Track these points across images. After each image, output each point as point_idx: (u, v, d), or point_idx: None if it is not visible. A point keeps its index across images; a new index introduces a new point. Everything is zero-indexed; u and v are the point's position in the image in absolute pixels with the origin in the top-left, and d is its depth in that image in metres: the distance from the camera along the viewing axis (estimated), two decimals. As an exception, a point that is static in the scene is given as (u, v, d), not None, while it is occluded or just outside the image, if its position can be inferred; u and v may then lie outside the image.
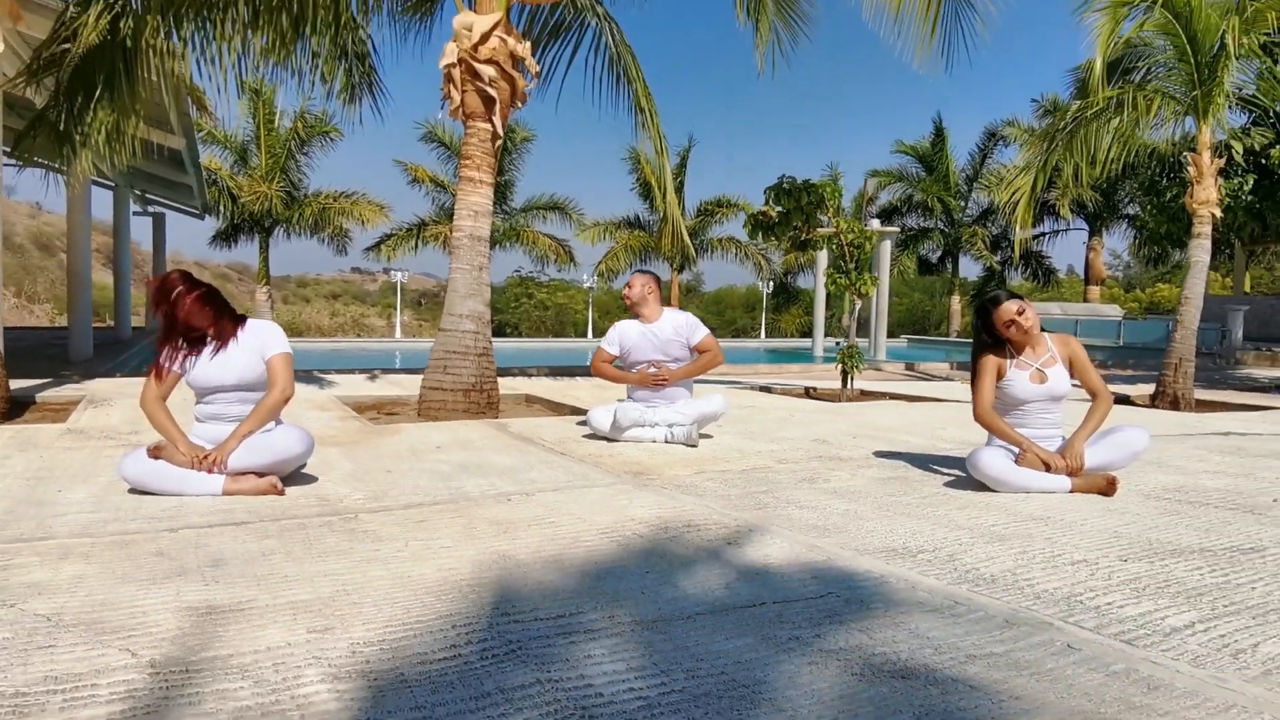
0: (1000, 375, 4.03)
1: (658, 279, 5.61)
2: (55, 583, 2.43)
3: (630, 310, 5.58)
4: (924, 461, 4.73)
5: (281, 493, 3.62)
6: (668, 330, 5.46)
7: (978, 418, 4.06)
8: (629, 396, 5.50)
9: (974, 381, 4.11)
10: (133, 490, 3.59)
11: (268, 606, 2.26)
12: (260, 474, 3.63)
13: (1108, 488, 3.80)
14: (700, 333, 5.51)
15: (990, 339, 4.06)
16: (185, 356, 3.67)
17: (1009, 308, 3.97)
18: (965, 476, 4.13)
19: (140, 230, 20.71)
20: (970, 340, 4.33)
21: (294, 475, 3.89)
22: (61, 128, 6.75)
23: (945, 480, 4.19)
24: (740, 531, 3.12)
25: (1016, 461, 3.88)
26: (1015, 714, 1.68)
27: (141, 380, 3.93)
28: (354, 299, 55.22)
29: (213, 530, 3.04)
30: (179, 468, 3.55)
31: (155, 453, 3.58)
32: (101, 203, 15.63)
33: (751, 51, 7.92)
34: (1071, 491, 3.83)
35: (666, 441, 5.18)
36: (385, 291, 50.39)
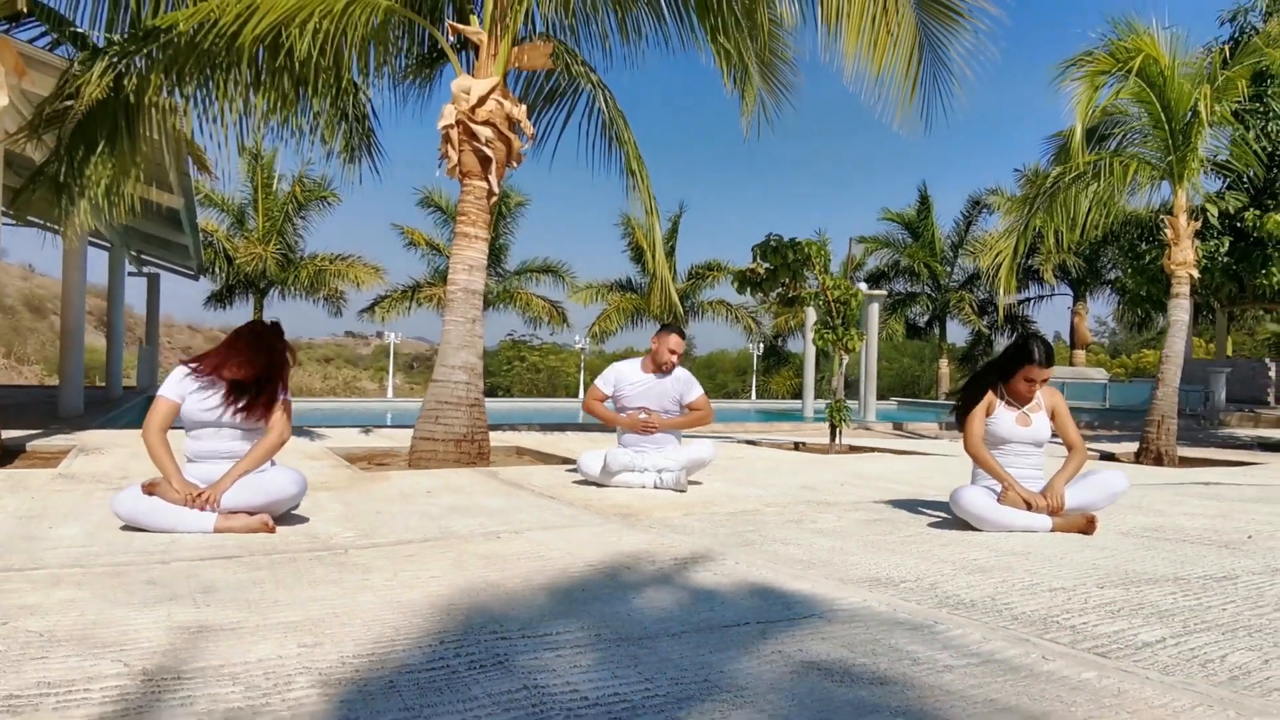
0: (989, 411, 4.13)
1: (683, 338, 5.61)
2: (47, 605, 2.46)
3: (662, 367, 5.50)
4: (911, 505, 4.78)
5: (273, 530, 3.65)
6: (664, 382, 5.54)
7: (968, 448, 4.15)
8: (619, 442, 5.56)
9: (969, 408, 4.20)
10: (125, 527, 3.62)
11: (258, 626, 2.29)
12: (252, 513, 3.67)
13: (1087, 527, 3.87)
14: (695, 392, 5.59)
15: (1000, 376, 4.16)
16: (203, 387, 3.72)
17: (1042, 373, 4.04)
18: (951, 518, 4.19)
19: (133, 294, 20.70)
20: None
21: (285, 515, 3.92)
22: (61, 179, 6.88)
23: (930, 521, 4.24)
24: (727, 564, 3.17)
25: (999, 500, 3.96)
26: (989, 714, 1.73)
27: (133, 433, 3.96)
28: (347, 362, 55.20)
29: (204, 563, 3.07)
30: (172, 504, 3.58)
31: (149, 489, 3.62)
32: (96, 268, 15.71)
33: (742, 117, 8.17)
34: (1052, 530, 3.89)
35: (656, 487, 5.22)
36: (378, 355, 50.43)
